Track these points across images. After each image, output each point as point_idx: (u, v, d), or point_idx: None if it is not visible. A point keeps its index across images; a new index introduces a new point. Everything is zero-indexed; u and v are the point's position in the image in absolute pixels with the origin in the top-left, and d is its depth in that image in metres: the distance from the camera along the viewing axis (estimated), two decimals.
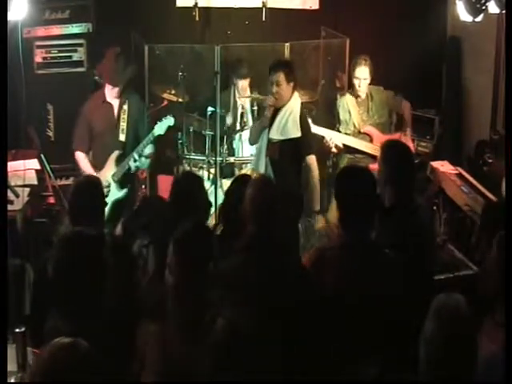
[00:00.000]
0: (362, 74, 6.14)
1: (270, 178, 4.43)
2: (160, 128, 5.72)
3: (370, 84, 6.27)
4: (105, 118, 5.83)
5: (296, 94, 5.67)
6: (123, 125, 5.79)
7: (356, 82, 6.19)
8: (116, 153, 5.76)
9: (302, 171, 5.67)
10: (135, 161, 5.69)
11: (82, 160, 5.81)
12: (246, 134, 6.49)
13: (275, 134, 5.63)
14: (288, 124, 5.59)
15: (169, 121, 5.75)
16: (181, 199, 4.15)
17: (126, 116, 5.80)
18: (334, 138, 6.22)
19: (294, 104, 5.64)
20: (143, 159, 5.75)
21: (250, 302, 3.01)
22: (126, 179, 5.80)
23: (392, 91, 6.43)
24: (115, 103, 5.85)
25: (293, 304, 3.20)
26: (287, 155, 5.66)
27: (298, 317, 3.19)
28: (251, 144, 6.07)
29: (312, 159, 5.64)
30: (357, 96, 6.27)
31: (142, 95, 6.25)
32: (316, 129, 6.18)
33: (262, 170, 5.70)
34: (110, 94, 5.83)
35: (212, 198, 5.91)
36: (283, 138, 5.61)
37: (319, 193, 5.68)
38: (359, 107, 6.30)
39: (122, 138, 5.80)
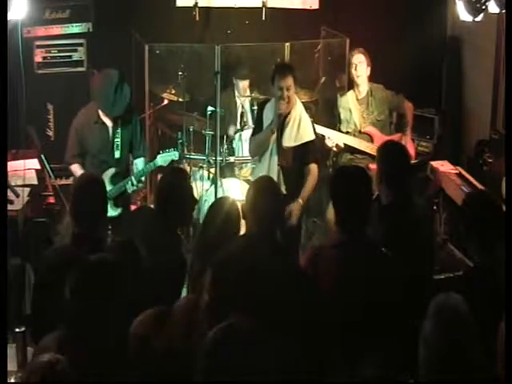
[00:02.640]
0: (358, 58, 6.24)
1: (272, 179, 4.39)
2: (163, 160, 5.60)
3: (370, 81, 6.30)
4: (98, 140, 5.59)
5: (296, 97, 5.51)
6: (118, 141, 5.58)
7: (352, 67, 6.25)
8: (111, 170, 5.61)
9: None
10: (133, 185, 5.58)
11: (80, 172, 5.55)
12: (245, 133, 6.48)
13: (289, 142, 5.40)
14: (301, 128, 5.40)
15: (173, 155, 5.64)
16: (166, 195, 4.17)
17: (120, 131, 5.59)
18: (335, 138, 6.22)
19: (300, 107, 5.48)
20: (140, 184, 5.70)
21: (249, 303, 3.00)
22: (121, 198, 5.67)
23: (394, 91, 6.43)
24: (109, 122, 5.58)
25: (290, 305, 3.20)
26: (298, 161, 5.47)
27: (296, 318, 3.19)
28: (254, 156, 5.78)
29: (315, 167, 5.42)
30: (356, 86, 6.28)
31: (141, 98, 6.24)
32: (317, 128, 6.17)
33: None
34: (105, 115, 5.56)
35: (212, 198, 5.92)
36: (297, 144, 5.41)
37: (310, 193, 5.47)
38: (360, 105, 6.31)
39: (117, 154, 5.61)
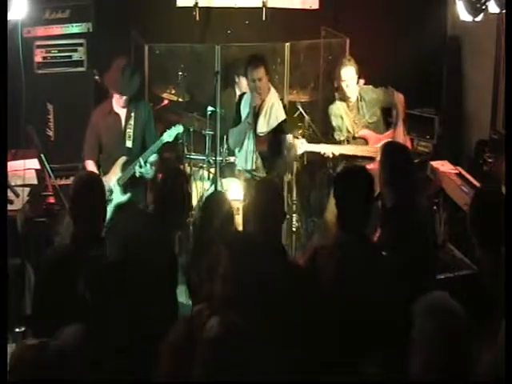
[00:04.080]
0: (348, 74, 6.03)
1: (272, 179, 4.48)
2: (169, 135, 5.79)
3: (359, 83, 6.24)
4: (112, 129, 5.85)
5: (271, 86, 5.88)
6: (130, 131, 5.83)
7: (344, 84, 6.07)
8: (123, 158, 5.80)
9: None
10: (141, 166, 5.73)
11: (92, 168, 5.83)
12: None
13: (263, 128, 5.80)
14: (273, 112, 5.77)
15: (178, 128, 5.83)
16: (164, 196, 4.23)
17: (133, 123, 5.84)
18: (330, 151, 6.12)
19: (273, 96, 5.85)
20: (148, 166, 5.77)
21: (245, 301, 3.01)
22: (130, 184, 5.83)
23: (382, 87, 6.32)
24: (122, 112, 5.86)
25: (289, 304, 3.21)
26: (274, 144, 5.91)
27: (295, 317, 3.19)
28: (234, 147, 6.10)
29: (290, 137, 5.93)
30: (347, 98, 6.16)
31: (141, 98, 6.24)
32: (310, 146, 6.12)
33: (250, 166, 5.96)
34: (118, 103, 5.83)
35: None
36: (271, 129, 5.80)
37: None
38: (350, 111, 6.21)
39: (129, 144, 5.84)
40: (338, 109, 6.24)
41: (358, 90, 6.16)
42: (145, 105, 6.05)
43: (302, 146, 6.05)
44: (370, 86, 6.27)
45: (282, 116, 5.87)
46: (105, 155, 5.91)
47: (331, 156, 6.14)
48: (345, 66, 6.04)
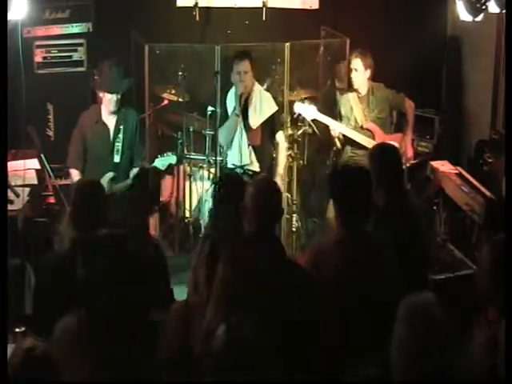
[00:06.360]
0: (355, 64, 6.24)
1: (271, 178, 4.49)
2: (161, 164, 5.68)
3: (370, 80, 6.30)
4: (99, 140, 5.71)
5: (256, 82, 6.07)
6: (118, 145, 5.68)
7: (351, 72, 6.29)
8: (110, 174, 5.63)
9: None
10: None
11: (77, 178, 5.66)
12: None
13: (255, 120, 5.90)
14: (263, 104, 5.93)
15: (171, 158, 5.73)
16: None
17: (121, 136, 5.69)
18: (338, 129, 6.24)
19: (258, 88, 6.04)
20: None
21: (248, 301, 3.01)
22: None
23: (394, 90, 6.43)
24: (111, 124, 5.71)
25: (290, 303, 3.21)
26: (266, 137, 6.04)
27: (296, 316, 3.20)
28: (225, 144, 6.17)
29: (281, 136, 6.14)
30: (353, 88, 6.31)
31: (141, 98, 6.24)
32: (321, 117, 6.26)
33: (246, 161, 6.00)
34: (107, 108, 5.69)
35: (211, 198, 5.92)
36: (262, 121, 5.92)
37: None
38: (361, 103, 6.32)
39: (117, 159, 5.68)
40: (347, 100, 6.36)
41: (369, 84, 6.30)
42: (133, 115, 5.87)
43: (310, 112, 6.21)
44: (382, 84, 6.35)
45: (274, 107, 6.00)
46: (90, 165, 5.75)
47: (336, 137, 6.27)
48: (354, 58, 6.27)
